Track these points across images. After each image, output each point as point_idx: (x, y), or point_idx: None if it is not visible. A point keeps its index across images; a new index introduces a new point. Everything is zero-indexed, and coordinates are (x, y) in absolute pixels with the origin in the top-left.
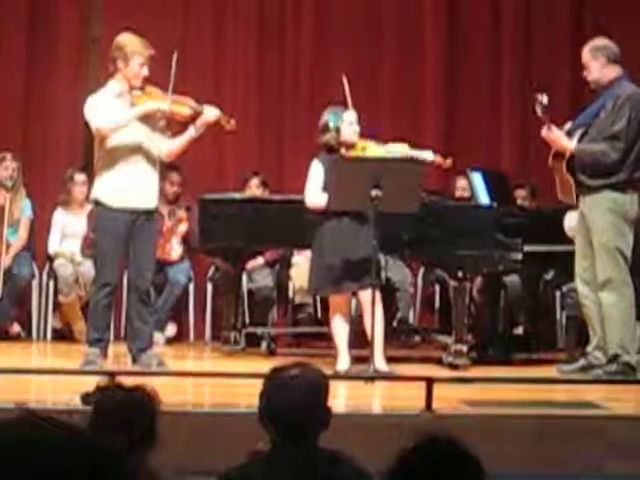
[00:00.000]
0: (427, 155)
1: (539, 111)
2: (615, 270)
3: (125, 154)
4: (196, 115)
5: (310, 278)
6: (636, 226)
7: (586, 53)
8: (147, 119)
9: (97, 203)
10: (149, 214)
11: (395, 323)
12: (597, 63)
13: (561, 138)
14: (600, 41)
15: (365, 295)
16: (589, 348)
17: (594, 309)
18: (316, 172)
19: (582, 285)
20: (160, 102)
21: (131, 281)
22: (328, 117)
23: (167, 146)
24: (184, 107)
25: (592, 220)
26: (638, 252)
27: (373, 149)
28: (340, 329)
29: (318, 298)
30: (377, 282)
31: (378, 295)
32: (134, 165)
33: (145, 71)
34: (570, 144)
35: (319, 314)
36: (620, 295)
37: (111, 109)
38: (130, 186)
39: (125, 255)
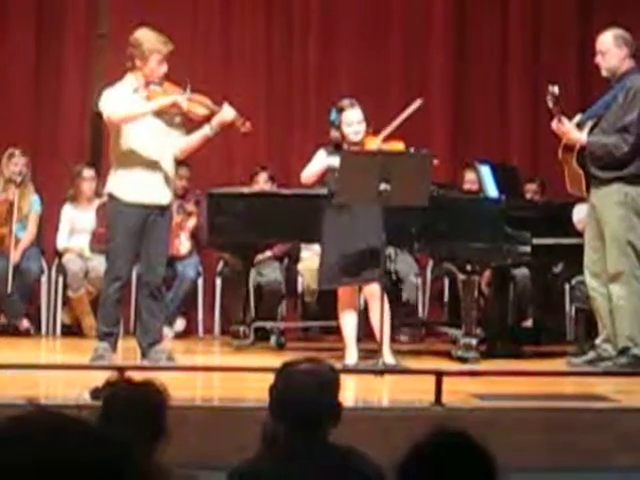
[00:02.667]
0: None
1: (550, 103)
2: (626, 263)
3: (141, 149)
4: (212, 114)
5: (319, 271)
6: None
7: (609, 39)
8: (163, 115)
9: (111, 197)
10: (163, 209)
11: (403, 299)
12: (619, 52)
13: (572, 130)
14: (624, 32)
15: (371, 289)
16: (598, 341)
17: (603, 302)
18: (319, 157)
19: (590, 278)
20: (169, 96)
21: (142, 276)
22: (331, 115)
23: (181, 143)
24: (200, 106)
25: (603, 213)
26: None
27: (369, 145)
28: (348, 323)
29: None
30: (384, 276)
31: (383, 289)
32: (149, 160)
33: (164, 68)
34: (581, 136)
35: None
36: (630, 288)
37: (125, 101)
38: (145, 181)
39: (137, 250)
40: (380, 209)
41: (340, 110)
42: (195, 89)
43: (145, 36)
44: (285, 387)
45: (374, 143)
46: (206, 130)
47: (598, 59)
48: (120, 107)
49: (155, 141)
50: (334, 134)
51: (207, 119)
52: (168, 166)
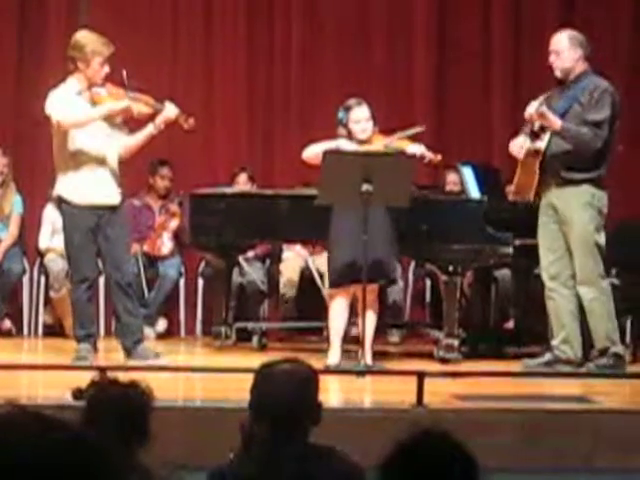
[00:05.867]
0: (417, 149)
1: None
2: (594, 266)
3: (87, 151)
4: (155, 112)
5: (329, 270)
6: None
7: (564, 40)
8: (106, 116)
9: (61, 200)
10: (114, 209)
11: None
12: (574, 53)
13: (549, 112)
14: (578, 34)
15: (373, 288)
16: (555, 342)
17: (562, 303)
18: (331, 142)
19: (549, 280)
20: (121, 101)
21: (110, 277)
22: (339, 113)
23: (126, 142)
24: (144, 105)
25: (570, 214)
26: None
27: (376, 143)
28: (337, 323)
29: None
30: (374, 277)
31: (374, 289)
32: (96, 162)
33: (106, 69)
34: (556, 119)
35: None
36: (600, 289)
37: (71, 104)
38: (92, 183)
39: (96, 248)
40: (385, 210)
41: (347, 108)
42: (135, 87)
43: (87, 38)
44: (264, 388)
45: (379, 143)
46: (150, 129)
47: (552, 59)
48: (71, 112)
49: (100, 142)
50: (342, 132)
51: (151, 117)
52: (114, 166)
